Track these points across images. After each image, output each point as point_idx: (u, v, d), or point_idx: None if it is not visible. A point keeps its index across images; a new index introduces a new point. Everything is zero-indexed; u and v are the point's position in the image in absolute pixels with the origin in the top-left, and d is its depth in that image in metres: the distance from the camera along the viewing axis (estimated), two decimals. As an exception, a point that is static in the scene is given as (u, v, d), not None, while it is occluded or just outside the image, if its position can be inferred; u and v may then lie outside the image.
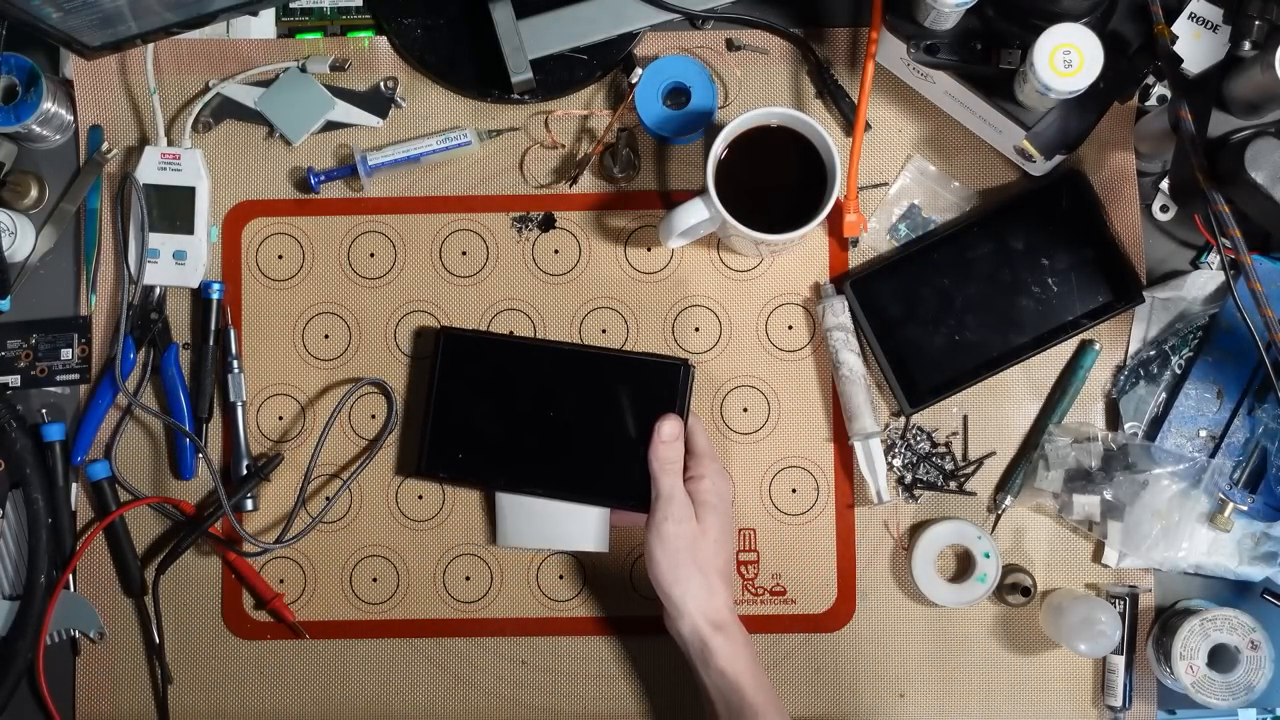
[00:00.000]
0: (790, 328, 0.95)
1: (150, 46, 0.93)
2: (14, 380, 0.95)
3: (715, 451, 0.90)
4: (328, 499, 0.94)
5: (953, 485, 0.93)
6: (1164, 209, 0.93)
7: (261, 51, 0.96)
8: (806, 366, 0.94)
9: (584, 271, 0.95)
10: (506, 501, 0.93)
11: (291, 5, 0.95)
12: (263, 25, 0.96)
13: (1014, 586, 0.91)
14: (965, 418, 0.94)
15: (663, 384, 0.90)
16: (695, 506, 0.85)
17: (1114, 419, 0.93)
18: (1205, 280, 0.91)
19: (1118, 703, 0.90)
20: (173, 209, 0.94)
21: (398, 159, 0.94)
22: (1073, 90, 0.79)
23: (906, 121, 0.95)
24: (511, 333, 0.95)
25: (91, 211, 0.96)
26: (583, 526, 0.91)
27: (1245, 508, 0.89)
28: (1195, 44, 0.90)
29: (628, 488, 0.89)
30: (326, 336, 0.96)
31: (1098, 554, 0.93)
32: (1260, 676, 0.87)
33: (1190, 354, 0.91)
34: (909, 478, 0.93)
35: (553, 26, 0.92)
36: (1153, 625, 0.92)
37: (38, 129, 0.94)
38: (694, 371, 0.90)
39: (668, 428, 0.87)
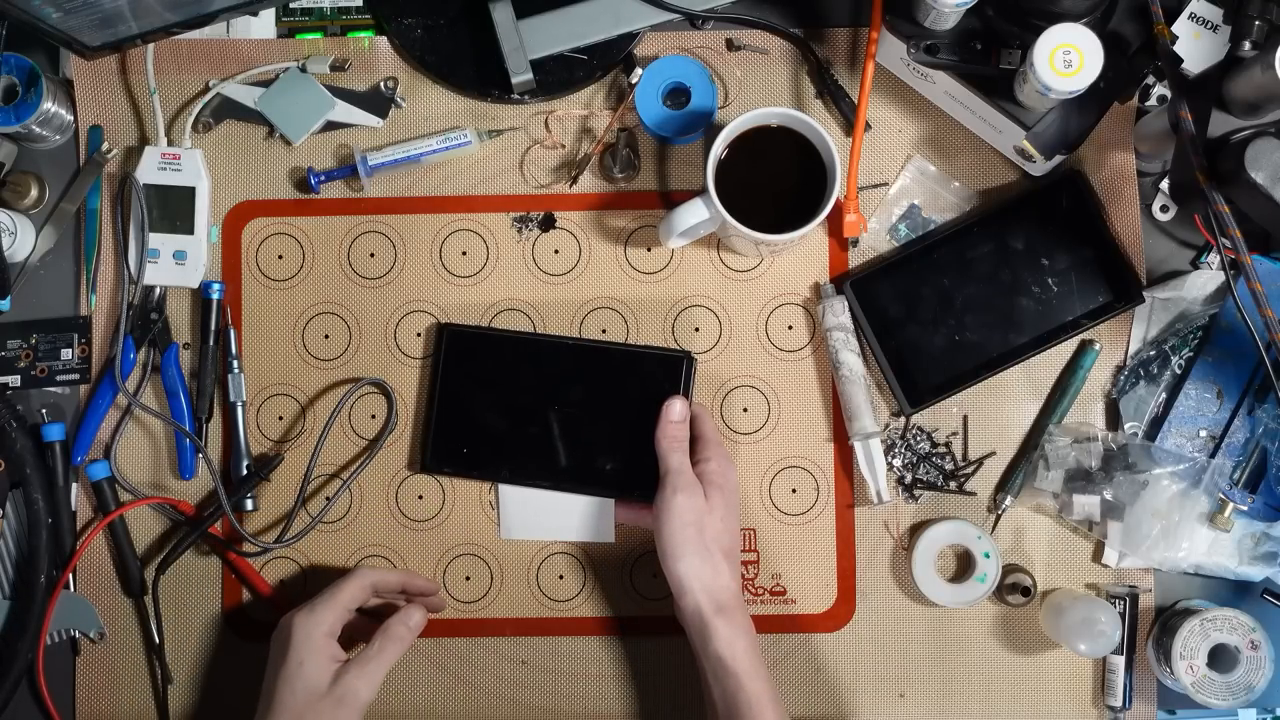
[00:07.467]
0: (790, 328, 0.95)
1: (150, 46, 0.93)
2: (14, 380, 0.95)
3: (720, 438, 0.91)
4: (328, 499, 0.94)
5: (953, 485, 0.93)
6: (1164, 209, 0.93)
7: (261, 51, 0.96)
8: (806, 366, 0.94)
9: (584, 271, 0.95)
10: (509, 494, 0.93)
11: (291, 5, 0.95)
12: (263, 25, 0.96)
13: (1014, 586, 0.91)
14: (965, 418, 0.94)
15: (665, 376, 0.90)
16: (703, 486, 0.85)
17: (1114, 419, 0.93)
18: (1205, 280, 0.91)
19: (1118, 703, 0.90)
20: (173, 209, 0.94)
21: (398, 159, 0.94)
22: (1073, 90, 0.79)
23: (906, 121, 0.95)
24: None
25: (91, 211, 0.96)
26: (588, 517, 0.92)
27: (1245, 508, 0.89)
28: (1195, 44, 0.90)
29: (631, 478, 0.90)
30: (326, 336, 0.96)
31: (1098, 554, 0.93)
32: (1260, 676, 0.87)
33: (1190, 354, 0.91)
34: (909, 478, 0.93)
35: (553, 26, 0.92)
36: (1153, 625, 0.92)
37: (38, 129, 0.94)
38: (696, 364, 0.90)
39: (677, 408, 0.88)
